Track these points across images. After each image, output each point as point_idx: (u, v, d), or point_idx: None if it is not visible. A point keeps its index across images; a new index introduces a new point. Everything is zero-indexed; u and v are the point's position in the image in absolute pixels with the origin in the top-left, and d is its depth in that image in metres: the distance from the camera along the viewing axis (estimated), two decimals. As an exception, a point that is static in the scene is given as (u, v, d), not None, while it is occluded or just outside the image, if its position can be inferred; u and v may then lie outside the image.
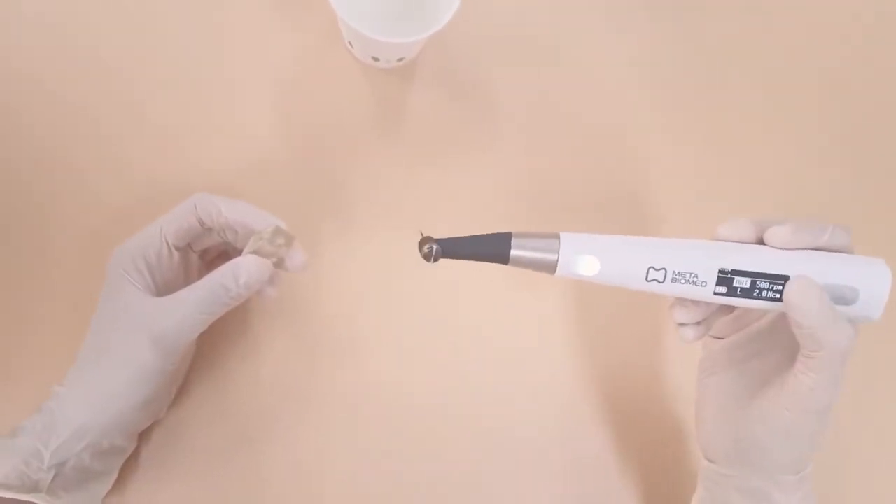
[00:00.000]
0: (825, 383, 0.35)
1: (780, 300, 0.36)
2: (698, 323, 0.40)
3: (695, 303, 0.39)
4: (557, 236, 0.36)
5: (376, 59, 0.52)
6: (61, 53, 0.52)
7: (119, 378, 0.40)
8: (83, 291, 0.44)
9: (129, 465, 0.45)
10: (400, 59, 0.52)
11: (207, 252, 0.46)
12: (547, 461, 0.49)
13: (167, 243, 0.41)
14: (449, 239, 0.36)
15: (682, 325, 0.40)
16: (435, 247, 0.36)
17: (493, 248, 0.36)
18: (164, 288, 0.42)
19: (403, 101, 0.54)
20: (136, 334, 0.39)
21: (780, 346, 0.39)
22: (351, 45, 0.52)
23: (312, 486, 0.47)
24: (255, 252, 0.40)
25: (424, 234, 0.36)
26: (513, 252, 0.35)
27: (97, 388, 0.40)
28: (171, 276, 0.43)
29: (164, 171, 0.51)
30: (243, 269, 0.39)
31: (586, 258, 0.36)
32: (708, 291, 0.36)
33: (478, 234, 0.36)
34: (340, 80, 0.54)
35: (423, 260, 0.36)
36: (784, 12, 0.59)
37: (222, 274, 0.39)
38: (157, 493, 0.46)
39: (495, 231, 0.36)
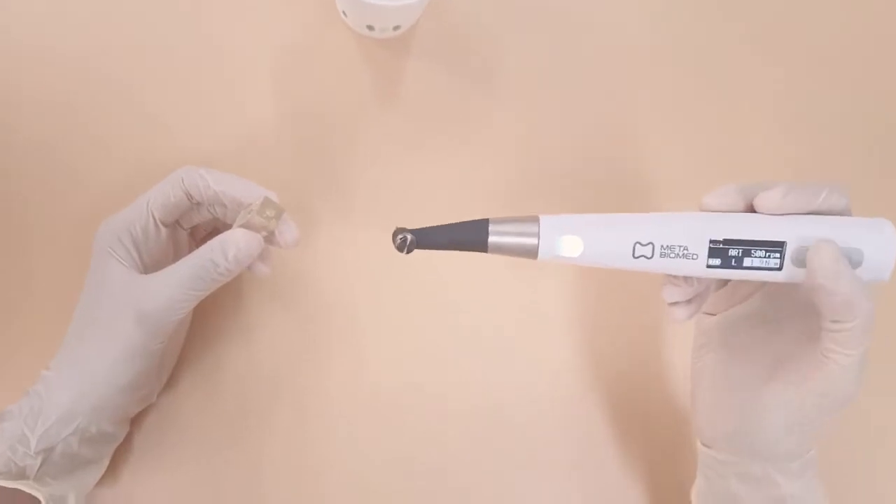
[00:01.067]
0: (859, 360, 0.32)
1: (779, 269, 0.33)
2: (689, 301, 0.38)
3: (685, 279, 0.36)
4: (537, 219, 0.34)
5: (371, 28, 0.50)
6: (50, 31, 0.50)
7: (105, 359, 0.38)
8: (71, 273, 0.42)
9: (122, 452, 0.44)
10: (396, 28, 0.50)
11: (198, 229, 0.45)
12: (547, 448, 0.48)
13: (154, 218, 0.40)
14: (423, 229, 0.34)
15: (672, 304, 0.38)
16: (408, 237, 0.34)
17: (470, 236, 0.34)
18: (151, 265, 0.40)
19: (400, 73, 0.52)
20: (122, 313, 0.38)
21: (786, 325, 0.37)
22: (345, 14, 0.50)
23: (309, 471, 0.45)
24: (244, 226, 0.38)
25: (398, 226, 0.35)
26: (491, 238, 0.34)
27: (83, 370, 0.38)
28: (158, 253, 0.41)
29: (156, 148, 0.49)
30: (232, 243, 0.37)
31: (568, 239, 0.34)
32: (700, 265, 0.34)
33: (453, 221, 0.34)
34: (336, 53, 0.52)
35: (397, 249, 0.35)
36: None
37: (210, 248, 0.38)
38: (151, 480, 0.44)
39: (473, 218, 0.34)
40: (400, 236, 0.35)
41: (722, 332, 0.40)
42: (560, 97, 0.53)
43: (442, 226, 0.34)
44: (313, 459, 0.45)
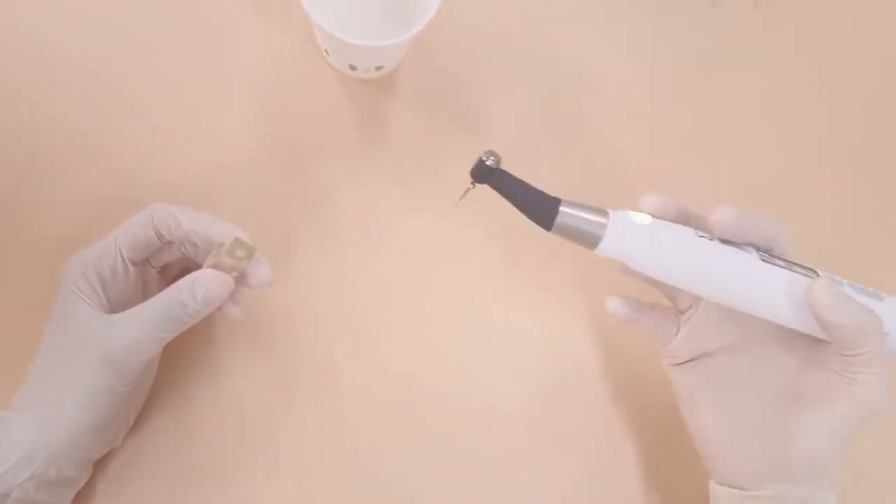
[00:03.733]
0: (880, 373, 0.34)
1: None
2: (631, 310, 0.41)
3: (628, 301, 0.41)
4: (606, 213, 0.35)
5: (354, 68, 0.50)
6: (31, 55, 0.49)
7: (68, 400, 0.37)
8: (35, 304, 0.41)
9: (84, 499, 0.42)
10: (379, 68, 0.50)
11: (168, 268, 0.44)
12: (538, 441, 0.47)
13: (122, 256, 0.39)
14: (508, 172, 0.35)
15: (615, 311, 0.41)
16: (495, 162, 0.34)
17: (541, 205, 0.35)
18: (119, 305, 0.39)
19: (382, 114, 0.52)
20: (87, 353, 0.37)
21: (768, 351, 0.38)
22: (327, 52, 0.50)
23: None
24: (214, 266, 0.37)
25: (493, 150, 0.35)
26: (559, 218, 0.34)
27: (45, 411, 0.37)
28: (127, 292, 0.40)
29: (128, 179, 0.48)
30: (201, 284, 0.37)
31: (632, 236, 0.35)
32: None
33: (531, 187, 0.35)
34: (317, 89, 0.52)
35: (470, 172, 0.35)
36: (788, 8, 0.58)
37: (178, 289, 0.37)
38: (113, 528, 0.42)
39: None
40: (491, 160, 0.34)
41: (706, 376, 0.40)
42: (547, 137, 0.53)
43: (524, 182, 0.35)
44: (285, 505, 0.44)
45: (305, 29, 0.52)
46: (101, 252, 0.39)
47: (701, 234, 0.36)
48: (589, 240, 0.35)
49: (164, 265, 0.43)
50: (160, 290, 0.39)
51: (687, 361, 0.41)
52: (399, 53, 0.50)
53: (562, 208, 0.34)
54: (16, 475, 0.36)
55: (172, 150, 0.49)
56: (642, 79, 0.55)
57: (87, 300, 0.38)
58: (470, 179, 0.35)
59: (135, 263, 0.40)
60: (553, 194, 0.35)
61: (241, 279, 0.39)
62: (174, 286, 0.37)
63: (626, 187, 0.51)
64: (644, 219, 0.35)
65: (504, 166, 0.35)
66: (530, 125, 0.53)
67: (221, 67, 0.51)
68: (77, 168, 0.48)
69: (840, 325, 0.33)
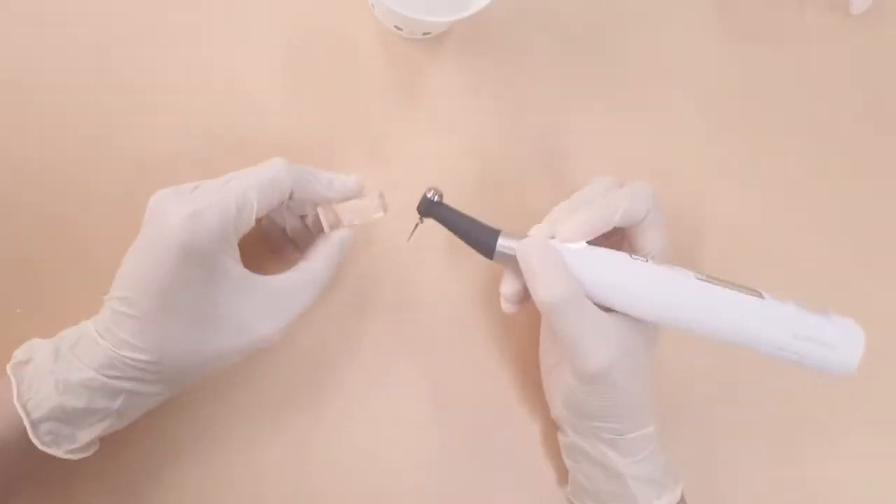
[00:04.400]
0: (589, 339, 0.37)
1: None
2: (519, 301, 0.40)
3: (515, 282, 0.39)
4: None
5: (399, 29, 0.45)
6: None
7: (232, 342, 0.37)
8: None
9: None
10: (426, 34, 0.46)
11: None
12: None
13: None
14: (450, 207, 0.38)
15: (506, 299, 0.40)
16: (437, 198, 0.37)
17: (481, 236, 0.37)
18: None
19: (421, 79, 0.48)
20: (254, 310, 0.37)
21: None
22: (374, 6, 0.46)
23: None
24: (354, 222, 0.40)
25: (434, 186, 0.38)
26: (498, 248, 0.37)
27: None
28: None
29: (160, 126, 0.45)
30: (348, 240, 0.40)
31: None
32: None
33: (475, 218, 0.38)
34: (357, 42, 0.47)
35: (417, 208, 0.38)
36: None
37: (332, 249, 0.39)
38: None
39: (490, 225, 0.38)
40: (431, 194, 0.37)
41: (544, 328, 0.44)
42: (578, 130, 0.49)
43: (465, 214, 0.38)
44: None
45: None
46: (237, 214, 0.35)
47: (635, 256, 0.37)
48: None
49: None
50: None
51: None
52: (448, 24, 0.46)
53: (500, 240, 0.37)
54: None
55: (206, 99, 0.46)
56: (690, 73, 0.51)
57: (238, 262, 0.37)
58: (418, 216, 0.38)
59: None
60: (495, 226, 0.38)
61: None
62: (326, 245, 0.39)
63: (671, 180, 0.49)
64: (581, 247, 0.37)
65: (447, 200, 0.38)
66: (568, 115, 0.49)
67: (257, 13, 0.47)
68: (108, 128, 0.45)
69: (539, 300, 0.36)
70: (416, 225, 0.39)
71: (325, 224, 0.39)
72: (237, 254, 0.37)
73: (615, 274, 0.36)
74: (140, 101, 0.45)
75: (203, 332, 0.36)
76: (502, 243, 0.37)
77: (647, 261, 0.37)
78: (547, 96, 0.49)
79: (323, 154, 0.46)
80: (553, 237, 0.38)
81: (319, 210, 0.40)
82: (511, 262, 0.37)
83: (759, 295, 0.36)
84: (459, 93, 0.48)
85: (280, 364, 0.44)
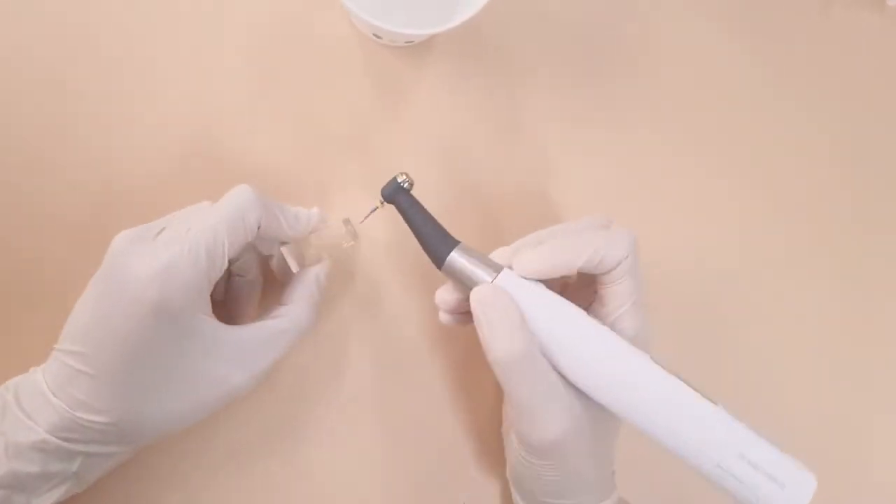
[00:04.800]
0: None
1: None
2: (456, 313, 0.36)
3: (455, 294, 0.35)
4: (500, 269, 0.33)
5: (378, 37, 0.42)
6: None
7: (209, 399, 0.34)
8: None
9: None
10: (408, 42, 0.42)
11: None
12: None
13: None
14: (416, 201, 0.35)
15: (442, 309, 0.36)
16: (407, 184, 0.35)
17: (436, 242, 0.34)
18: None
19: (405, 90, 0.45)
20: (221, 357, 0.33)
21: None
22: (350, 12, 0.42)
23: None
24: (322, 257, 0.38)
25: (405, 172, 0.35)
26: (450, 258, 0.34)
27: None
28: None
29: (120, 137, 0.42)
30: (324, 276, 0.38)
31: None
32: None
33: (438, 222, 0.35)
34: (332, 49, 0.44)
35: (381, 189, 0.35)
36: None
37: (310, 288, 0.37)
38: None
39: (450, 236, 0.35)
40: (402, 179, 0.34)
41: None
42: (581, 137, 0.46)
43: (427, 214, 0.34)
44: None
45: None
46: (209, 262, 0.32)
47: (593, 320, 0.33)
48: (472, 288, 0.33)
49: None
50: None
51: None
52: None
53: (455, 252, 0.34)
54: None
55: (166, 119, 0.42)
56: (707, 74, 0.48)
57: (210, 316, 0.33)
58: (380, 198, 0.35)
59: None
60: (457, 237, 0.35)
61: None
62: (302, 285, 0.37)
63: (667, 187, 0.46)
64: (534, 290, 0.33)
65: (418, 195, 0.35)
66: (558, 135, 0.46)
67: (221, 15, 0.43)
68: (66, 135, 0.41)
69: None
70: (375, 208, 0.36)
71: (292, 264, 0.37)
72: (209, 306, 0.33)
73: (559, 327, 0.32)
74: (97, 119, 0.42)
75: (169, 390, 0.32)
76: (456, 258, 0.33)
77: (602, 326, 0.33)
78: (537, 111, 0.46)
79: (294, 171, 0.43)
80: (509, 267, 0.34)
81: (284, 250, 0.37)
82: (459, 278, 0.34)
83: (714, 404, 0.31)
84: (442, 106, 0.45)
85: (255, 408, 0.41)
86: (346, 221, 0.38)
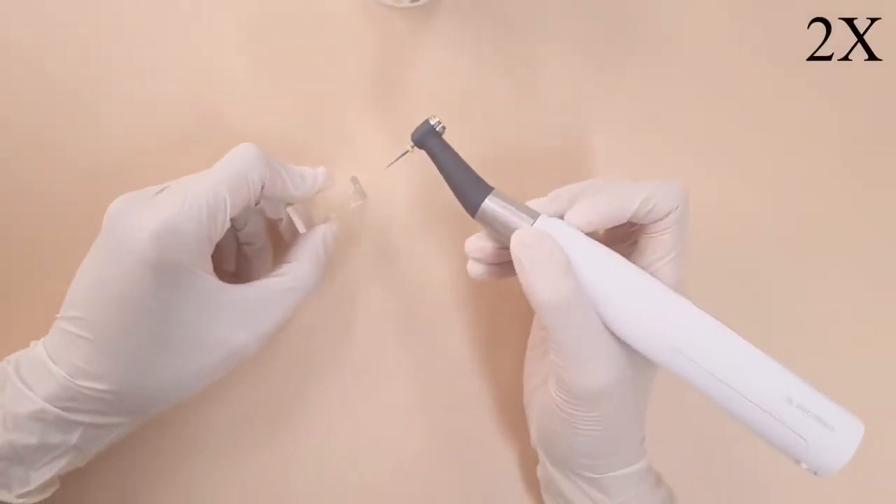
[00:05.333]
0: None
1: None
2: (490, 265, 0.35)
3: (490, 241, 0.34)
4: (536, 216, 0.32)
5: (384, -4, 0.40)
6: None
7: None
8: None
9: None
10: (415, 1, 0.41)
11: None
12: None
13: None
14: (448, 146, 0.33)
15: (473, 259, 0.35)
16: (440, 127, 0.33)
17: (470, 187, 0.33)
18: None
19: (413, 55, 0.43)
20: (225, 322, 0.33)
21: None
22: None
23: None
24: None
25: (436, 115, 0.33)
26: (485, 203, 0.33)
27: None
28: None
29: (113, 120, 0.40)
30: (332, 236, 0.37)
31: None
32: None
33: (470, 167, 0.33)
34: (333, 13, 0.42)
35: (412, 134, 0.33)
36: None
37: (317, 248, 0.36)
38: None
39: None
40: (436, 122, 0.33)
41: None
42: (611, 104, 0.44)
43: (460, 158, 0.33)
44: None
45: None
46: (211, 220, 0.31)
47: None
48: (508, 237, 0.32)
49: None
50: None
51: None
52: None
53: (491, 197, 0.33)
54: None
55: (159, 90, 0.41)
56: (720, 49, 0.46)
57: (212, 275, 0.32)
58: (410, 142, 0.33)
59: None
60: (491, 184, 0.33)
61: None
62: (308, 244, 0.36)
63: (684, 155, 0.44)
64: (574, 236, 0.32)
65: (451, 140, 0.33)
66: (585, 101, 0.44)
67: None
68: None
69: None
70: (405, 152, 0.34)
71: (299, 225, 0.36)
72: (210, 265, 0.32)
73: (604, 274, 0.31)
74: (90, 90, 0.40)
75: (170, 354, 0.31)
76: (492, 203, 0.32)
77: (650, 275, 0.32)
78: (561, 76, 0.44)
79: (294, 140, 0.41)
80: (555, 216, 0.33)
81: (290, 211, 0.36)
82: (494, 226, 0.33)
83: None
84: (453, 72, 0.43)
85: (263, 375, 0.39)
86: (354, 180, 0.37)
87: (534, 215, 0.32)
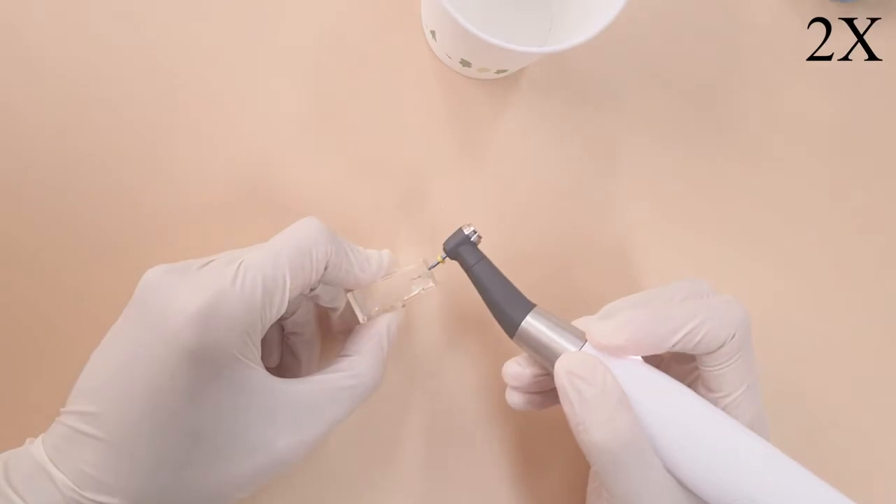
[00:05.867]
0: None
1: None
2: (532, 393, 0.30)
3: (530, 367, 0.30)
4: (583, 338, 0.28)
5: (466, 65, 0.36)
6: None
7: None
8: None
9: None
10: (501, 71, 0.37)
11: None
12: None
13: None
14: (483, 256, 0.30)
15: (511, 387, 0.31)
16: (475, 236, 0.30)
17: (509, 304, 0.29)
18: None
19: (491, 129, 0.39)
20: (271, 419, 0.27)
21: None
22: (433, 35, 0.37)
23: None
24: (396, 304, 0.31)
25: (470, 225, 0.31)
26: (524, 324, 0.28)
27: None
28: None
29: (163, 168, 0.35)
30: (395, 327, 0.31)
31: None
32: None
33: (508, 281, 0.30)
34: (408, 82, 0.38)
35: (444, 243, 0.30)
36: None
37: (380, 340, 0.30)
38: None
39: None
40: (470, 231, 0.30)
41: None
42: (687, 192, 0.40)
43: (497, 271, 0.30)
44: None
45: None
46: (265, 301, 0.26)
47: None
48: (552, 363, 0.28)
49: None
50: None
51: None
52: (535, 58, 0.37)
53: (531, 316, 0.29)
54: None
55: (215, 154, 0.36)
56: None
57: (260, 366, 0.27)
58: (441, 252, 0.31)
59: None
60: (532, 300, 0.29)
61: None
62: (374, 335, 0.30)
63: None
64: (630, 362, 0.27)
65: (487, 248, 0.31)
66: (664, 185, 0.40)
67: (276, 41, 0.37)
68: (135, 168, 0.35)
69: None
70: (436, 263, 0.31)
71: (360, 315, 0.31)
72: (259, 354, 0.27)
73: (668, 411, 0.26)
74: (139, 148, 0.35)
75: (201, 461, 0.25)
76: (532, 323, 0.28)
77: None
78: (629, 162, 0.40)
79: (355, 212, 0.37)
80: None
81: (350, 297, 0.30)
82: (535, 348, 0.28)
83: None
84: (531, 148, 0.39)
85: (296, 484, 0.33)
86: (425, 262, 0.32)
87: (582, 337, 0.28)
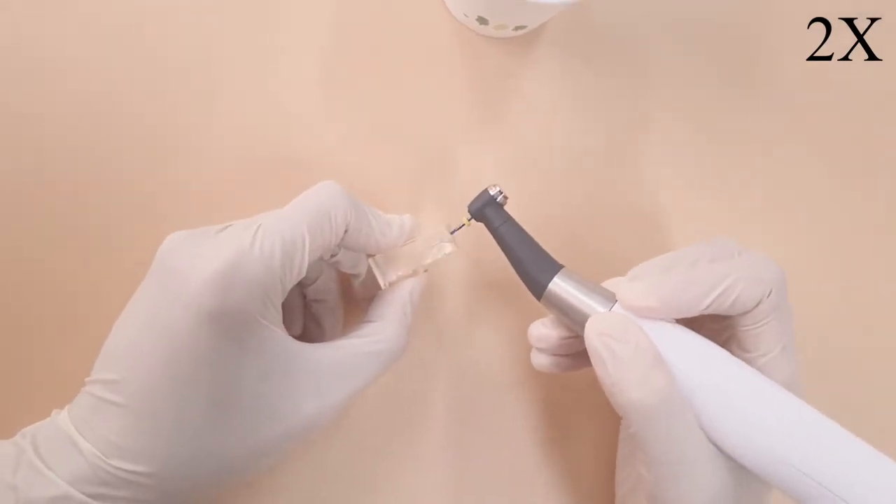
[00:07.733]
0: None
1: None
2: (558, 355, 0.30)
3: (557, 329, 0.29)
4: (613, 299, 0.27)
5: (483, 22, 0.35)
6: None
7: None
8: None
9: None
10: (520, 28, 0.36)
11: None
12: None
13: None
14: (509, 217, 0.29)
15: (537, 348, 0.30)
16: (501, 196, 0.29)
17: (535, 266, 0.28)
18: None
19: (511, 88, 0.38)
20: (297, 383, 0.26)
21: None
22: (449, -6, 0.36)
23: None
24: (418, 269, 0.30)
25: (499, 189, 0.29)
26: (553, 283, 0.28)
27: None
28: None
29: (182, 138, 0.35)
30: (418, 293, 0.30)
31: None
32: None
33: (535, 242, 0.29)
34: (423, 42, 0.37)
35: (469, 205, 0.29)
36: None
37: (403, 306, 0.30)
38: None
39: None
40: (496, 191, 0.29)
41: None
42: (714, 151, 0.39)
43: (524, 232, 0.29)
44: None
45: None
46: (285, 263, 0.26)
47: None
48: (580, 325, 0.27)
49: None
50: None
51: None
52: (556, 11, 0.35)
53: (559, 277, 0.28)
54: None
55: (230, 120, 0.36)
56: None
57: (281, 329, 0.26)
58: (467, 214, 0.30)
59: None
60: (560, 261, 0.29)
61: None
62: (398, 300, 0.30)
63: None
64: (662, 323, 0.26)
65: (514, 210, 0.29)
66: (690, 147, 0.39)
67: (292, 4, 0.37)
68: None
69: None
70: (461, 226, 0.30)
71: (381, 281, 0.30)
72: (281, 317, 0.26)
73: (703, 372, 0.25)
74: (159, 119, 0.35)
75: (226, 427, 0.25)
76: (560, 284, 0.27)
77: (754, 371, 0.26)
78: (658, 119, 0.39)
79: (374, 177, 0.36)
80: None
81: (372, 263, 0.30)
82: (564, 310, 0.28)
83: None
84: (547, 107, 0.38)
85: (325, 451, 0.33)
86: (447, 227, 0.31)
87: (611, 298, 0.27)
